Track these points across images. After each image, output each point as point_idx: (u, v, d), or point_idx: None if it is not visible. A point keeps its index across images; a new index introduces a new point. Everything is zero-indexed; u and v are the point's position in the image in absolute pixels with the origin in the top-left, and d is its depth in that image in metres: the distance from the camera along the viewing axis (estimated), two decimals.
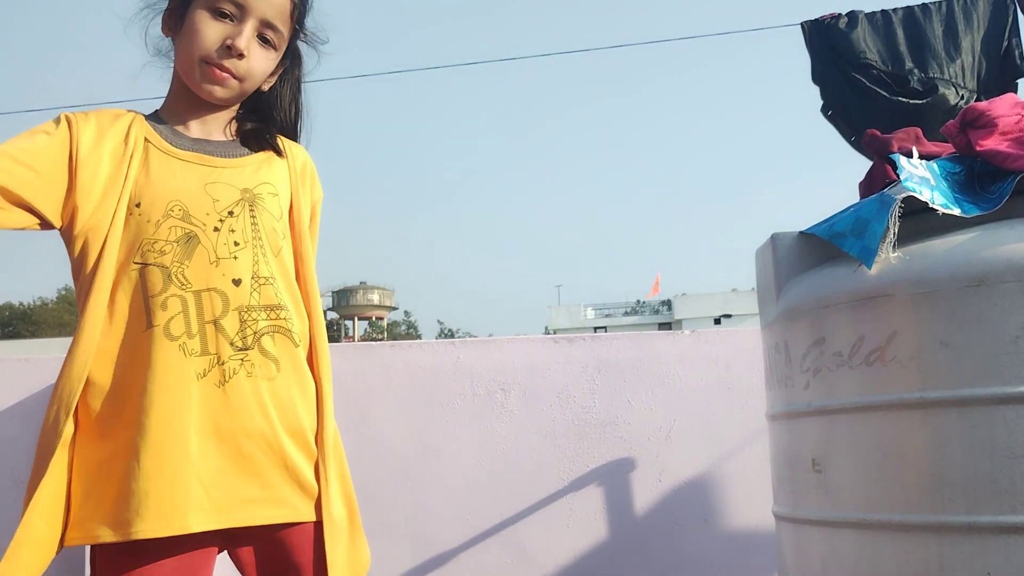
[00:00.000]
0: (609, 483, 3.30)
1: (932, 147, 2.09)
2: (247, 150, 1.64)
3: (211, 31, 1.53)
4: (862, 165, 2.78)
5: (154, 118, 1.62)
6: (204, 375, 1.44)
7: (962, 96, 3.64)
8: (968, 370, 1.65)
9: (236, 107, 1.67)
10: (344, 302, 73.61)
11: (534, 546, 3.23)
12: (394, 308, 76.59)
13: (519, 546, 3.21)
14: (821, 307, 1.88)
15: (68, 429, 1.44)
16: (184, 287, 1.46)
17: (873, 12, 3.97)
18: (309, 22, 1.69)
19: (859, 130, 3.48)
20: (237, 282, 1.49)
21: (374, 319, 74.28)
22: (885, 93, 3.70)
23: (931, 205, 1.79)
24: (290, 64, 1.72)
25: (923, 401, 1.69)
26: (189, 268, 1.47)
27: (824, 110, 3.94)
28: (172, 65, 1.64)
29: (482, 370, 3.33)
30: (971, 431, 1.63)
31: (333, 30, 1.72)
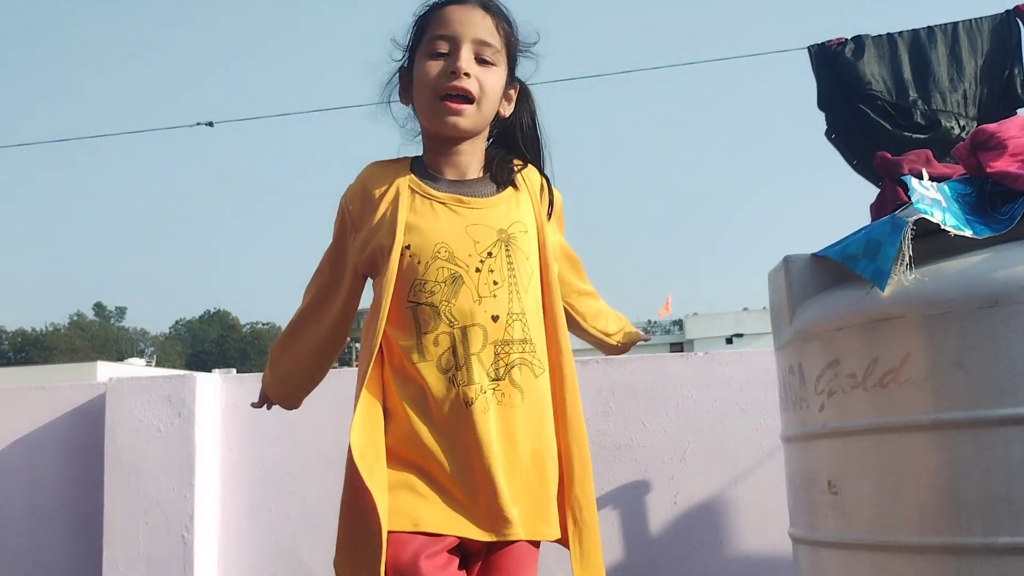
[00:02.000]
0: (624, 506, 3.29)
1: (943, 169, 2.11)
2: (496, 187, 1.74)
3: (432, 69, 1.65)
4: (874, 187, 2.80)
5: (417, 164, 1.76)
6: (471, 403, 1.58)
7: (963, 127, 3.66)
8: (982, 391, 1.66)
9: (483, 140, 1.77)
10: (355, 325, 73.60)
11: (551, 569, 3.23)
12: None
13: None
14: (834, 329, 1.89)
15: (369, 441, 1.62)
16: (452, 324, 1.61)
17: (879, 36, 3.99)
18: (515, 31, 1.77)
19: (862, 155, 3.50)
20: (495, 318, 1.62)
21: None
22: (889, 126, 3.72)
23: (943, 226, 1.80)
24: (523, 91, 1.82)
25: (938, 422, 1.69)
26: (455, 306, 1.61)
27: (828, 134, 3.96)
28: (419, 122, 1.78)
29: None
30: (987, 452, 1.64)
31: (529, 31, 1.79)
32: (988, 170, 1.91)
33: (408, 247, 1.64)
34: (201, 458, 3.62)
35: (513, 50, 1.75)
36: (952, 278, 1.74)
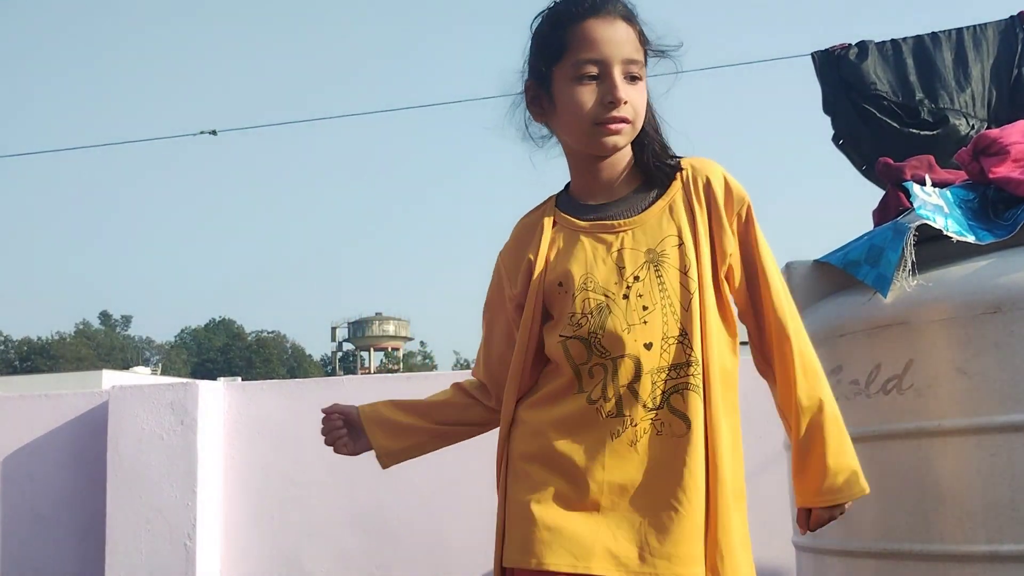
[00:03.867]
0: None
1: (945, 175, 2.10)
2: (649, 199, 1.63)
3: (587, 97, 1.57)
4: (876, 193, 2.79)
5: (564, 194, 1.70)
6: (618, 435, 1.52)
7: (972, 126, 3.64)
8: (986, 398, 1.65)
9: (629, 151, 1.66)
10: (359, 333, 73.70)
11: None
12: (410, 339, 76.61)
13: None
14: (837, 335, 1.88)
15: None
16: (603, 355, 1.55)
17: (883, 42, 3.98)
18: (650, 35, 1.67)
19: (870, 160, 3.49)
20: (648, 346, 1.54)
21: (390, 350, 74.28)
22: (896, 124, 3.70)
23: (945, 232, 1.79)
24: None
25: (941, 429, 1.68)
26: (605, 337, 1.55)
27: (835, 139, 3.94)
28: (558, 144, 1.69)
29: None
30: (990, 459, 1.63)
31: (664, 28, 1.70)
32: (990, 176, 1.90)
33: (561, 284, 1.59)
34: (204, 466, 3.62)
35: (649, 52, 1.66)
36: (955, 284, 1.73)
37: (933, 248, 1.80)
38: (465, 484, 3.29)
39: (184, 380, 3.88)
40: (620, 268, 1.56)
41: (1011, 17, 3.98)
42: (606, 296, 1.55)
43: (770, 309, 1.62)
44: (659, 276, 1.56)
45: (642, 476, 1.51)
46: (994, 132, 1.96)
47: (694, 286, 1.56)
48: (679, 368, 1.53)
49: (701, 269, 1.58)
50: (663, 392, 1.52)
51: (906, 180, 2.04)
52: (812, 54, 4.10)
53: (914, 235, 1.78)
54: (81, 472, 3.85)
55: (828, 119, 4.01)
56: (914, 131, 3.65)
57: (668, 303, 1.55)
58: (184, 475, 3.59)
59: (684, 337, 1.54)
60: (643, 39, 1.61)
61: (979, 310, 1.67)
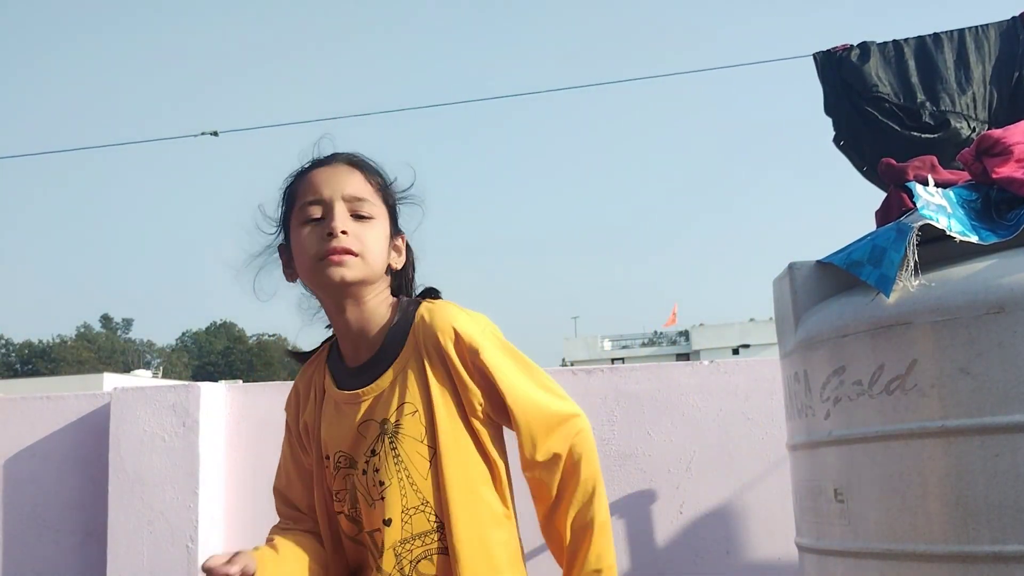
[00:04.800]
0: (629, 515, 3.28)
1: (948, 175, 2.10)
2: (384, 364, 1.61)
3: (310, 236, 1.59)
4: (878, 193, 2.79)
5: (333, 352, 1.71)
6: None
7: (973, 128, 3.65)
8: (989, 398, 1.65)
9: (380, 301, 1.65)
10: None
11: None
12: None
13: None
14: (840, 336, 1.88)
15: None
16: (361, 530, 1.60)
17: (885, 43, 3.99)
18: (388, 181, 1.70)
19: (871, 161, 3.49)
20: (388, 522, 1.55)
21: None
22: (897, 127, 3.71)
23: (948, 233, 1.79)
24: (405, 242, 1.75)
25: (945, 429, 1.68)
26: (362, 513, 1.60)
27: (836, 140, 3.95)
28: (317, 301, 1.71)
29: None
30: (994, 459, 1.62)
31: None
32: (994, 176, 1.90)
33: (328, 457, 1.64)
34: (206, 468, 3.61)
35: (391, 199, 1.68)
36: (958, 284, 1.73)
37: (936, 248, 1.80)
38: None
39: (186, 382, 3.87)
40: (364, 439, 1.58)
41: (1012, 18, 3.99)
42: (355, 470, 1.59)
43: (540, 446, 1.58)
44: (394, 448, 1.56)
45: None
46: (997, 132, 1.96)
47: (430, 454, 1.55)
48: (425, 536, 1.55)
49: (438, 433, 1.56)
50: (410, 561, 1.54)
51: (909, 180, 2.03)
52: (814, 55, 4.12)
53: (917, 235, 1.78)
54: (82, 474, 3.84)
55: (829, 120, 4.02)
56: (915, 134, 3.66)
57: (405, 475, 1.55)
58: (186, 477, 3.59)
59: (425, 506, 1.55)
60: (374, 183, 1.64)
61: (982, 310, 1.67)
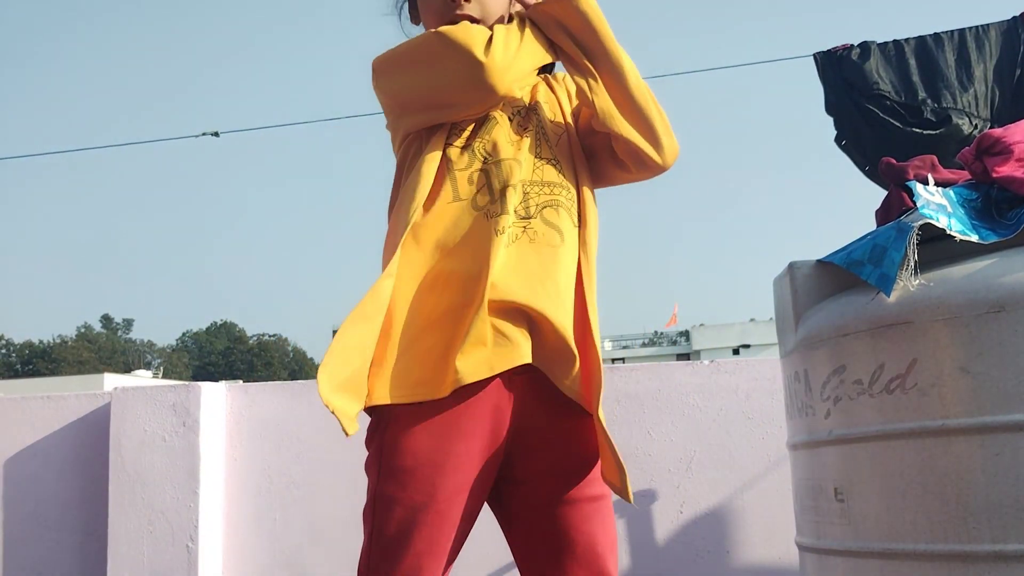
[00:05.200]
0: (630, 515, 3.28)
1: (948, 174, 2.10)
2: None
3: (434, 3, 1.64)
4: (879, 192, 2.79)
5: None
6: (502, 232, 1.50)
7: (975, 126, 3.64)
8: (989, 397, 1.65)
9: None
10: None
11: None
12: None
13: None
14: (840, 335, 1.88)
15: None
16: (485, 160, 1.57)
17: (885, 42, 3.99)
18: None
19: (873, 160, 3.49)
20: (518, 161, 1.56)
21: None
22: (898, 124, 3.71)
23: (948, 232, 1.79)
24: None
25: (945, 428, 1.68)
26: (487, 143, 1.58)
27: (838, 140, 3.95)
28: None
29: None
30: (994, 458, 1.62)
31: None
32: (994, 175, 1.90)
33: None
34: (206, 468, 3.62)
35: None
36: (958, 283, 1.73)
37: (936, 247, 1.80)
38: None
39: (186, 382, 3.87)
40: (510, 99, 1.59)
41: (1013, 18, 3.99)
42: (488, 113, 1.60)
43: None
44: (537, 114, 1.64)
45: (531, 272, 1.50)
46: (997, 131, 1.96)
47: (564, 134, 1.65)
48: (553, 186, 1.58)
49: (568, 127, 1.67)
50: (536, 204, 1.55)
51: (909, 180, 2.03)
52: (814, 55, 4.12)
53: (917, 234, 1.78)
54: (83, 474, 3.85)
55: (830, 119, 4.02)
56: (917, 130, 3.65)
57: (542, 131, 1.62)
58: (186, 477, 3.59)
59: (556, 162, 1.60)
60: None
61: (982, 309, 1.67)
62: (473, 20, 1.61)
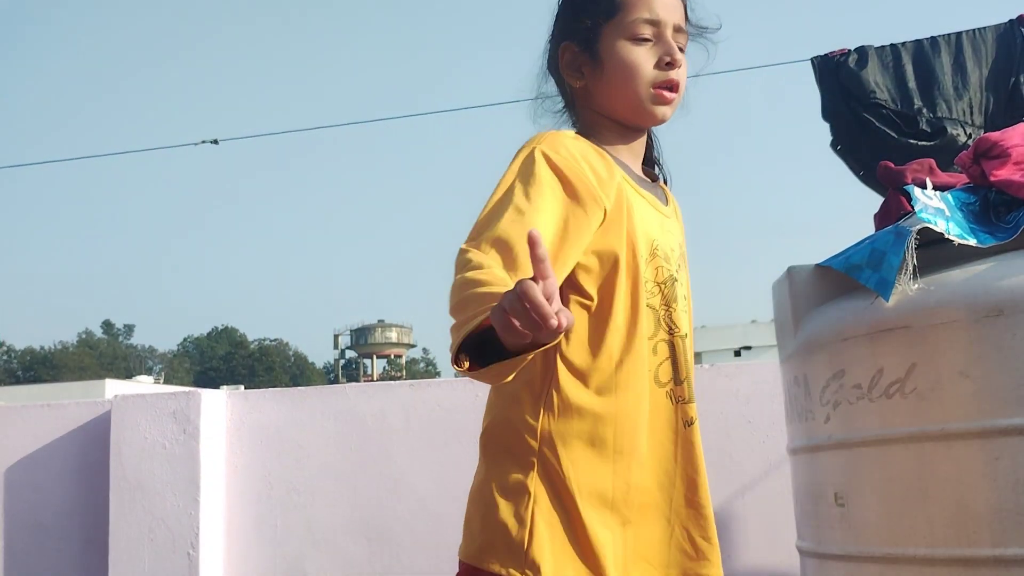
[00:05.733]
0: None
1: (946, 178, 2.10)
2: (665, 193, 1.57)
3: (644, 58, 1.46)
4: (877, 197, 2.79)
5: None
6: (690, 424, 1.46)
7: (970, 135, 3.65)
8: (989, 401, 1.65)
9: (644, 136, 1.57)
10: (362, 340, 73.78)
11: None
12: (412, 346, 76.67)
13: None
14: (839, 340, 1.88)
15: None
16: (671, 332, 1.44)
17: (883, 47, 3.99)
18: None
19: (869, 166, 3.50)
20: (684, 337, 1.46)
21: (392, 357, 74.34)
22: (894, 134, 3.72)
23: (947, 236, 1.79)
24: None
25: (944, 433, 1.68)
26: (675, 312, 1.44)
27: (834, 145, 3.96)
28: (596, 109, 1.52)
29: None
30: (994, 463, 1.62)
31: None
32: (992, 179, 1.90)
33: (634, 243, 1.39)
34: (206, 475, 3.62)
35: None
36: (956, 287, 1.73)
37: (935, 251, 1.80)
38: (468, 490, 3.29)
39: (186, 389, 3.88)
40: (671, 249, 1.46)
41: (1010, 21, 3.99)
42: (667, 265, 1.44)
43: None
44: (678, 276, 1.48)
45: (696, 469, 1.47)
46: (995, 135, 1.96)
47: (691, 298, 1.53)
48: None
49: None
50: (690, 384, 1.46)
51: (907, 184, 2.03)
52: (812, 60, 4.12)
53: (916, 239, 1.78)
54: (84, 482, 3.85)
55: (826, 124, 4.02)
56: (912, 141, 3.66)
57: (685, 303, 1.48)
58: (187, 484, 3.59)
59: (687, 340, 1.47)
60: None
61: (981, 313, 1.67)
62: (676, 90, 1.47)
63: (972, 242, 1.79)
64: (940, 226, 1.80)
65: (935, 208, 1.87)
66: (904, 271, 1.78)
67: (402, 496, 3.44)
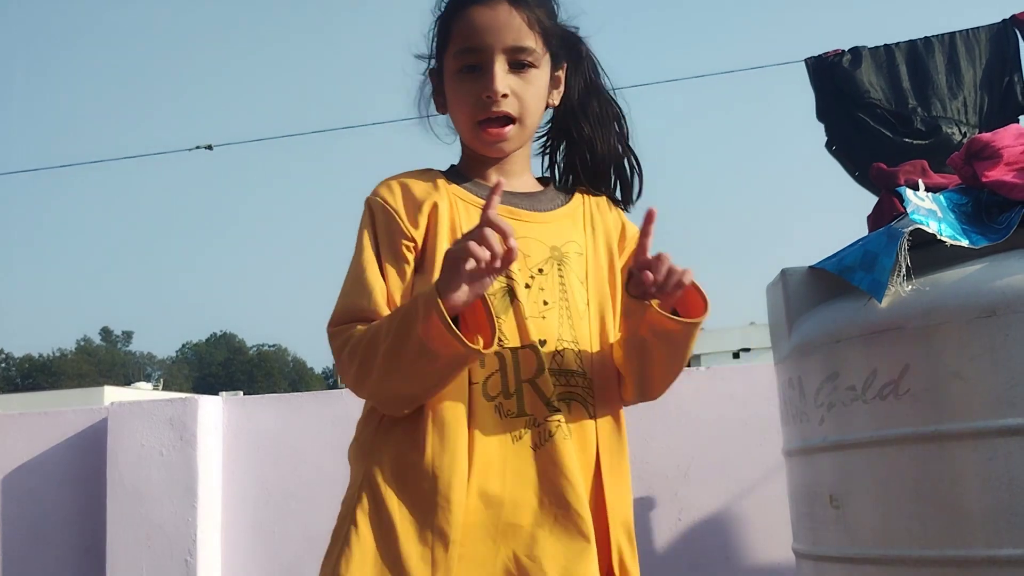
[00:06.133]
0: None
1: (938, 179, 2.10)
2: (554, 201, 1.52)
3: (465, 93, 1.45)
4: (871, 198, 2.79)
5: (454, 174, 1.52)
6: (520, 438, 1.36)
7: (964, 134, 3.66)
8: (982, 402, 1.65)
9: (529, 146, 1.54)
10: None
11: None
12: None
13: None
14: (833, 341, 1.88)
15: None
16: (502, 343, 1.38)
17: (876, 47, 4.01)
18: (561, 15, 1.53)
19: (863, 166, 3.50)
20: (543, 343, 1.39)
21: None
22: (889, 134, 3.72)
23: (939, 237, 1.79)
24: (573, 62, 1.55)
25: (938, 434, 1.68)
26: (506, 323, 1.39)
27: (828, 146, 3.97)
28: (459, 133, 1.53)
29: None
30: (987, 463, 1.62)
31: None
32: (984, 180, 1.91)
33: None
34: (204, 481, 3.61)
35: (554, 36, 1.50)
36: (949, 288, 1.73)
37: (927, 253, 1.80)
38: None
39: (183, 395, 3.87)
40: (525, 256, 1.41)
41: (1004, 21, 4.00)
42: (512, 279, 1.39)
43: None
44: (561, 277, 1.43)
45: (545, 483, 1.35)
46: (986, 136, 1.97)
47: (589, 298, 1.45)
48: (570, 375, 1.40)
49: (598, 283, 1.47)
50: (558, 397, 1.37)
51: (900, 185, 2.04)
52: (805, 60, 4.13)
53: (908, 240, 1.78)
54: (81, 489, 3.84)
55: (821, 125, 4.03)
56: (907, 140, 3.67)
57: (566, 307, 1.42)
58: (184, 491, 3.59)
59: (578, 346, 1.41)
60: (537, 27, 1.46)
61: (974, 314, 1.67)
62: (510, 119, 1.45)
63: (964, 243, 1.79)
64: (932, 227, 1.80)
65: (927, 209, 1.87)
66: (897, 272, 1.78)
67: None
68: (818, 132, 4.10)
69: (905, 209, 1.88)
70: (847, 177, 3.94)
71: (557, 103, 1.55)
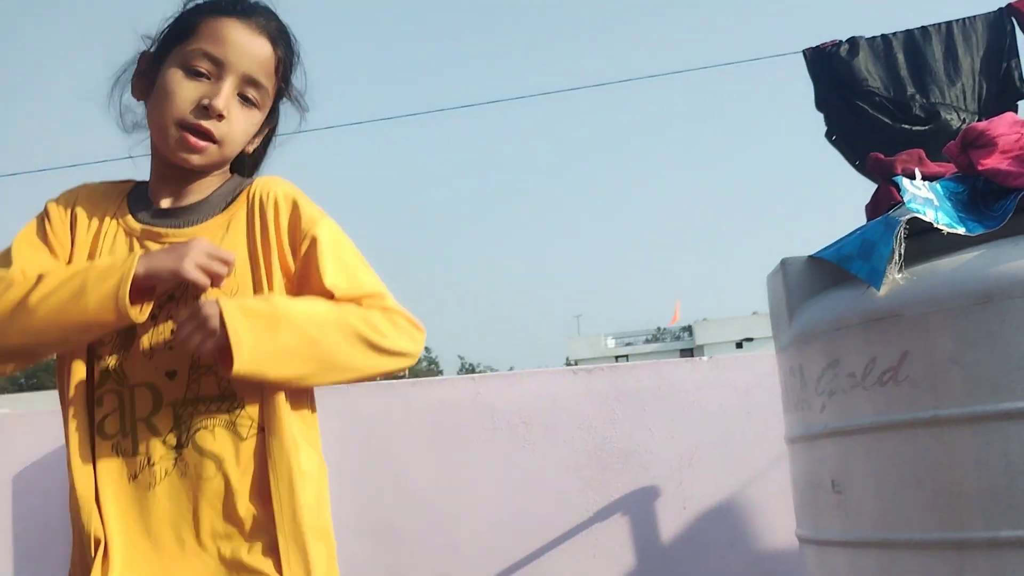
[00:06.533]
0: (633, 512, 3.31)
1: (935, 168, 2.12)
2: (208, 214, 1.45)
3: (185, 91, 1.39)
4: (869, 187, 2.82)
5: (137, 189, 1.50)
6: (135, 477, 1.34)
7: (964, 120, 3.68)
8: (980, 387, 1.67)
9: (218, 176, 1.50)
10: None
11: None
12: None
13: None
14: (833, 329, 1.91)
15: None
16: (121, 382, 1.36)
17: (873, 37, 4.03)
18: (295, 80, 1.52)
19: (863, 155, 3.52)
20: (171, 375, 1.35)
21: None
22: (888, 120, 3.75)
23: (936, 225, 1.81)
24: (274, 125, 1.56)
25: (937, 419, 1.71)
26: (127, 361, 1.36)
27: (828, 135, 3.99)
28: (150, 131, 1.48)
29: (503, 405, 3.36)
30: (986, 447, 1.65)
31: (318, 87, 1.56)
32: (979, 168, 1.93)
33: None
34: None
35: (284, 91, 1.51)
36: (946, 276, 1.76)
37: (924, 241, 1.83)
38: (472, 488, 3.32)
39: None
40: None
41: (999, 9, 4.02)
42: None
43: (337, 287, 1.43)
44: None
45: (164, 522, 1.34)
46: (982, 124, 1.99)
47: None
48: (212, 402, 1.36)
49: (244, 291, 1.40)
50: (189, 429, 1.34)
51: (896, 174, 2.06)
52: (803, 51, 4.15)
53: (905, 228, 1.81)
54: None
55: (821, 115, 4.06)
56: (906, 127, 3.69)
57: None
58: None
59: (219, 367, 1.34)
60: (279, 72, 1.46)
61: (971, 300, 1.70)
62: (211, 139, 1.40)
63: (961, 231, 1.81)
64: (929, 215, 1.83)
65: (924, 198, 1.89)
66: (894, 261, 1.80)
67: (405, 495, 3.46)
68: (818, 122, 4.12)
69: (902, 198, 1.90)
70: (845, 167, 3.97)
71: (250, 152, 1.53)
